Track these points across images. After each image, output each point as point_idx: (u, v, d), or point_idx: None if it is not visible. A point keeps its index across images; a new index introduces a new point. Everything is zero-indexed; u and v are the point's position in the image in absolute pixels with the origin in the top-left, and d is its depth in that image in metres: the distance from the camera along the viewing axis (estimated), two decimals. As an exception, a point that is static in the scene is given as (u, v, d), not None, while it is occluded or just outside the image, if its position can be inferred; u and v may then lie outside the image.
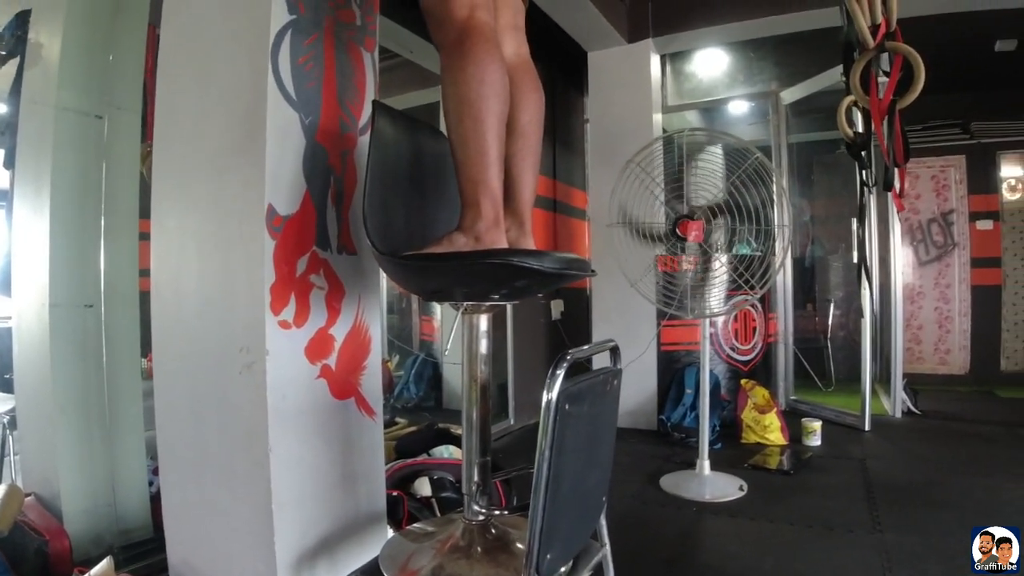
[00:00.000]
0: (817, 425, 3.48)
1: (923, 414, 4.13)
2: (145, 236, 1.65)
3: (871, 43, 2.12)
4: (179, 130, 1.54)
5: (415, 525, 1.51)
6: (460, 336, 1.34)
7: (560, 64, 4.31)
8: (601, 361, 1.39)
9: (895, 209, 4.00)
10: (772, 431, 3.47)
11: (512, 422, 3.83)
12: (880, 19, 2.10)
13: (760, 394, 3.60)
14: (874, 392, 4.06)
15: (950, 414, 4.19)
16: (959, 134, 5.06)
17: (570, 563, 1.27)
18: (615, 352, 1.39)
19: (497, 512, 1.40)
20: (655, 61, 4.04)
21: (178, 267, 1.53)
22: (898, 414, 4.09)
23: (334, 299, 1.56)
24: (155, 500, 1.68)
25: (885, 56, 2.28)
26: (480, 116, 1.19)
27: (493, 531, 1.34)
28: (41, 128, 1.93)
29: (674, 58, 4.30)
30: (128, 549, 1.99)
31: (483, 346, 1.35)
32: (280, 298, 1.41)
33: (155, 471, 1.75)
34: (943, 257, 5.20)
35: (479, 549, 1.30)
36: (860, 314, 3.81)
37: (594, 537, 1.39)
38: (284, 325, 1.43)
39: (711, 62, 4.41)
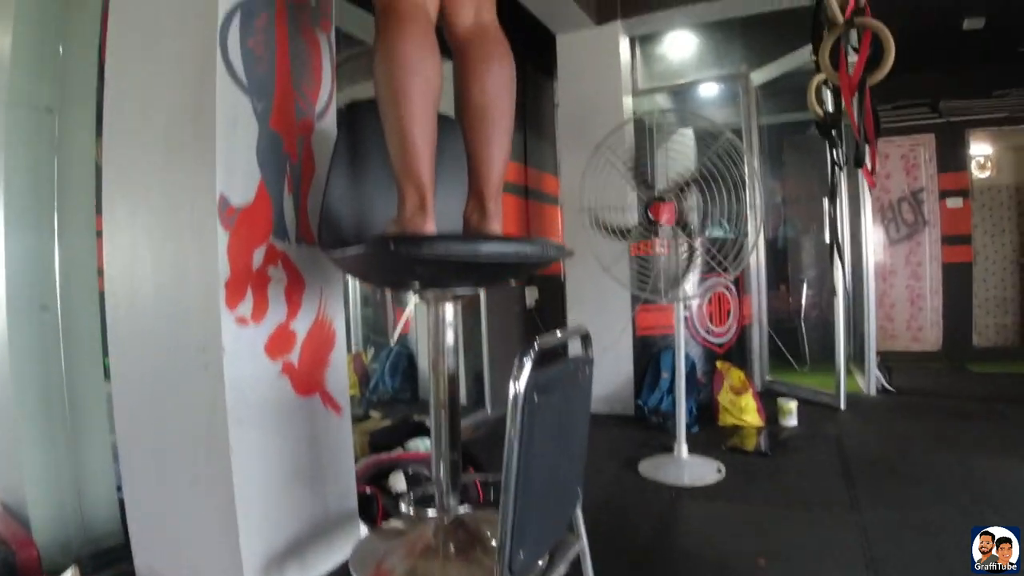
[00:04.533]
0: (793, 405, 3.48)
1: (897, 391, 4.15)
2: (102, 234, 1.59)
3: (841, 19, 2.09)
4: (128, 118, 1.47)
5: (386, 524, 1.47)
6: (426, 328, 1.29)
7: (528, 47, 4.24)
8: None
9: (866, 187, 4.01)
10: (748, 412, 3.47)
11: (489, 412, 3.79)
12: (850, -5, 2.08)
13: (736, 376, 3.59)
14: (848, 371, 4.07)
15: (924, 390, 4.22)
16: (928, 113, 5.09)
17: (547, 557, 1.23)
18: (586, 340, 1.35)
19: (471, 509, 1.36)
20: (624, 44, 3.98)
21: (131, 261, 1.46)
22: (872, 392, 4.11)
23: (294, 292, 1.50)
24: (124, 505, 1.64)
25: (855, 33, 2.27)
26: (397, 100, 1.15)
27: (467, 528, 1.30)
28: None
29: (643, 40, 4.24)
30: (97, 557, 1.93)
31: (449, 337, 1.30)
32: (236, 293, 1.35)
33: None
34: (914, 235, 5.24)
35: (452, 548, 1.25)
36: (833, 293, 3.82)
37: (570, 529, 1.35)
38: (241, 321, 1.36)
39: (680, 44, 4.37)
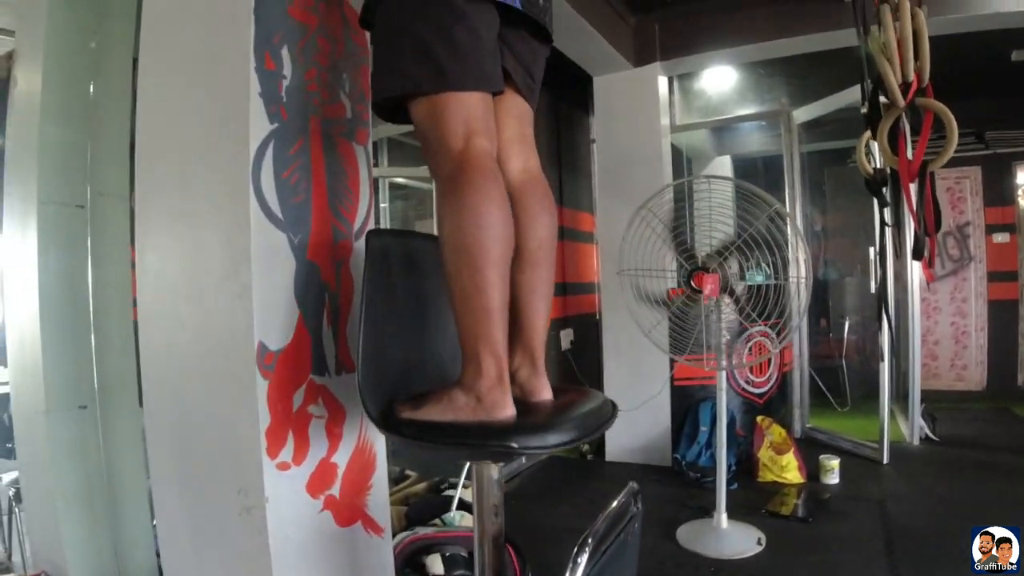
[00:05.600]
0: (835, 463, 3.39)
1: (941, 441, 4.04)
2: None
3: (902, 101, 1.99)
4: (162, 262, 1.42)
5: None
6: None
7: (564, 86, 4.17)
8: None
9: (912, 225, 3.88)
10: (789, 470, 3.39)
11: (524, 460, 3.75)
12: (911, 77, 1.96)
13: (777, 432, 3.51)
14: (891, 413, 3.95)
15: (968, 440, 4.10)
16: (974, 143, 4.91)
17: None
18: (636, 495, 1.30)
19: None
20: (663, 82, 3.90)
21: (169, 401, 1.43)
22: (916, 441, 4.01)
23: (335, 424, 1.47)
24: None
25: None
26: (479, 265, 1.07)
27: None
28: (24, 221, 1.86)
29: (682, 77, 4.15)
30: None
31: (495, 496, 1.25)
32: (277, 440, 1.32)
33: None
34: (959, 271, 5.08)
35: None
36: (877, 336, 3.71)
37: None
38: (283, 467, 1.33)
39: (720, 80, 4.28)
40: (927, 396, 4.27)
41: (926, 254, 2.04)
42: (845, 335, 4.80)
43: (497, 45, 1.22)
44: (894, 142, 2.10)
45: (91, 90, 1.99)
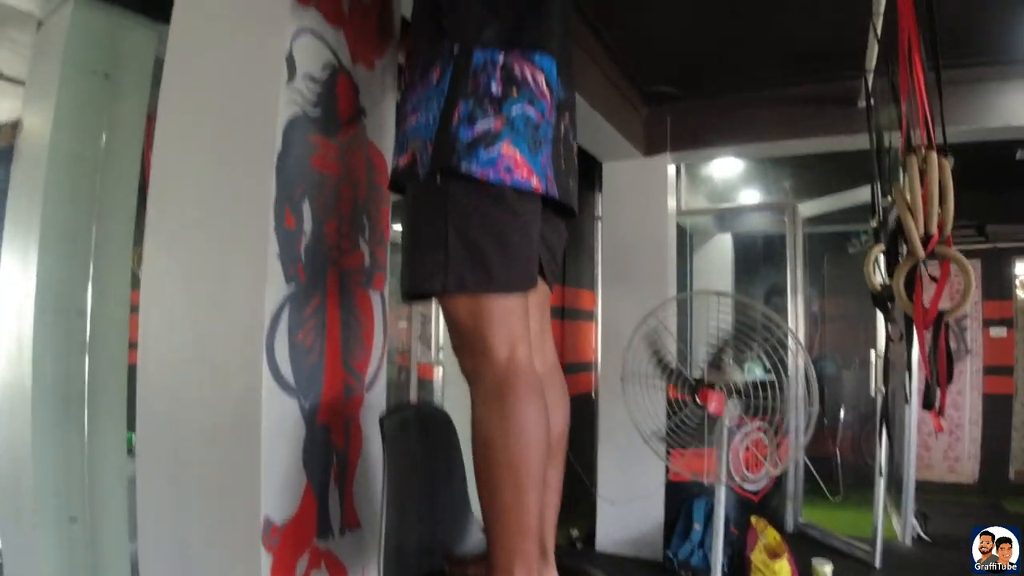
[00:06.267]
0: (828, 569, 3.35)
1: (933, 540, 4.01)
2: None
3: (921, 254, 1.98)
4: (164, 438, 1.39)
5: None
6: None
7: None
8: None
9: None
10: (782, 575, 3.34)
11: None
12: (934, 230, 1.96)
13: (772, 536, 3.47)
14: (884, 509, 3.93)
15: (960, 540, 4.03)
16: (974, 236, 4.93)
17: None
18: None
19: None
20: (671, 170, 3.92)
21: (168, 562, 1.40)
22: (908, 541, 3.98)
23: (335, 586, 1.43)
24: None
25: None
26: (524, 485, 1.05)
27: None
28: (20, 327, 1.84)
29: (690, 164, 4.18)
30: None
31: None
32: (277, 615, 1.28)
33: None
34: (955, 364, 5.07)
35: None
36: (872, 435, 3.70)
37: None
38: (281, 642, 1.29)
39: (727, 167, 4.31)
40: (919, 487, 4.24)
41: (936, 405, 2.02)
42: (839, 428, 4.78)
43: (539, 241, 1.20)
44: (910, 286, 2.10)
45: (99, 149, 1.98)
